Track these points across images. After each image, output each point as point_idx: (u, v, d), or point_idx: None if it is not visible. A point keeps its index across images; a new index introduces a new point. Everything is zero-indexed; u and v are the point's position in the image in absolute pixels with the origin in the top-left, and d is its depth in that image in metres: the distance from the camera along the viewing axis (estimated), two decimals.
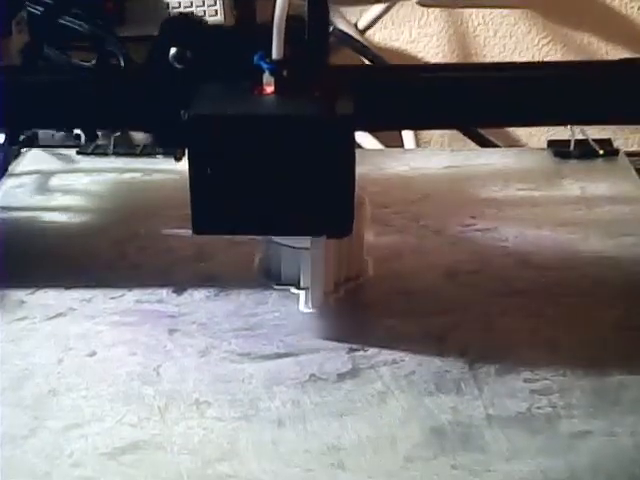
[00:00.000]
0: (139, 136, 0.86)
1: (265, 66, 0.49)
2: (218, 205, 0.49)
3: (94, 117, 0.57)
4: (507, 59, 0.99)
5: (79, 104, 0.56)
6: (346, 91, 0.50)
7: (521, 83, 0.55)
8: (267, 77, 0.49)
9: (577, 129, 0.72)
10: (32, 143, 0.79)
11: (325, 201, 0.49)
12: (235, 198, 0.49)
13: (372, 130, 0.81)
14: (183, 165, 0.73)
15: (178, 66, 0.53)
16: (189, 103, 0.49)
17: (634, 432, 0.45)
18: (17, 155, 0.75)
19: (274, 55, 0.49)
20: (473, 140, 0.95)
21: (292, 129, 0.48)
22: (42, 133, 0.81)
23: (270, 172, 0.48)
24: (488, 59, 0.99)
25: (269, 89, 0.50)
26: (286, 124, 0.48)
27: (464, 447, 0.44)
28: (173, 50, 0.53)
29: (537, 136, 1.03)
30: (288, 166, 0.48)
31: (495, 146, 0.94)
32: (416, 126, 0.70)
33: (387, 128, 0.74)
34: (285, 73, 0.49)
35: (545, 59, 0.99)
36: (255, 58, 0.49)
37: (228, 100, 0.50)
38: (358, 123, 0.49)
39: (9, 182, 0.71)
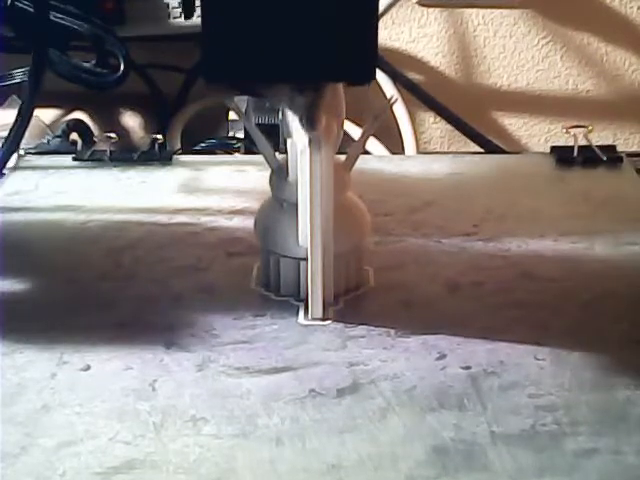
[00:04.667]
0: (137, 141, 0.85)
1: None
2: (230, 47, 0.46)
3: None
4: (507, 59, 0.98)
5: None
6: None
7: None
8: None
9: (580, 135, 0.71)
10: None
11: (346, 41, 0.47)
12: (249, 38, 0.46)
13: None
14: (180, 172, 0.73)
15: None
16: None
17: None
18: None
19: None
20: (473, 140, 0.94)
21: None
22: (37, 139, 0.81)
23: (288, 7, 0.46)
24: (488, 59, 0.98)
25: None
26: None
27: (467, 466, 0.43)
28: None
29: (537, 136, 1.02)
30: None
31: (495, 146, 0.93)
32: None
33: None
34: None
35: (545, 59, 0.98)
36: None
37: None
38: None
39: (2, 189, 0.70)
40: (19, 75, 0.81)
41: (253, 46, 0.47)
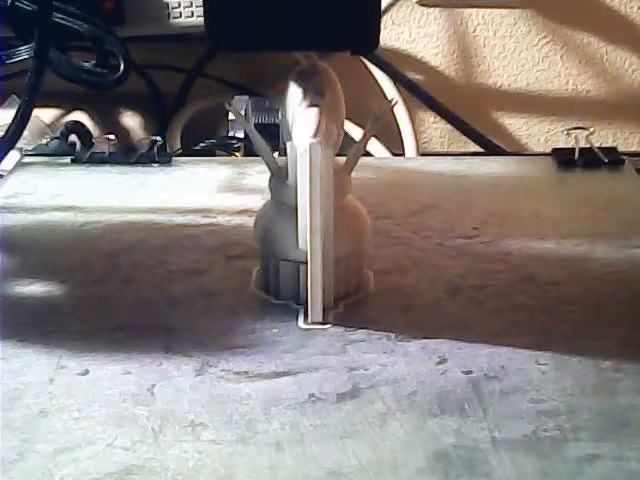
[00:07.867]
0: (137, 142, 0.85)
1: None
2: (236, 14, 0.46)
3: None
4: (507, 59, 0.98)
5: None
6: None
7: None
8: None
9: (581, 137, 0.71)
10: None
11: (349, 9, 0.46)
12: (254, 5, 0.46)
13: None
14: (179, 174, 0.73)
15: None
16: None
17: None
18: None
19: None
20: (473, 140, 0.94)
21: None
22: (37, 139, 0.80)
23: None
24: (488, 59, 0.98)
25: None
26: None
27: (469, 473, 0.42)
28: None
29: (537, 136, 1.01)
30: None
31: (495, 146, 0.93)
32: None
33: None
34: None
35: (545, 59, 0.98)
36: None
37: None
38: None
39: (0, 191, 0.70)
40: (25, 51, 0.80)
41: (258, 14, 0.46)
